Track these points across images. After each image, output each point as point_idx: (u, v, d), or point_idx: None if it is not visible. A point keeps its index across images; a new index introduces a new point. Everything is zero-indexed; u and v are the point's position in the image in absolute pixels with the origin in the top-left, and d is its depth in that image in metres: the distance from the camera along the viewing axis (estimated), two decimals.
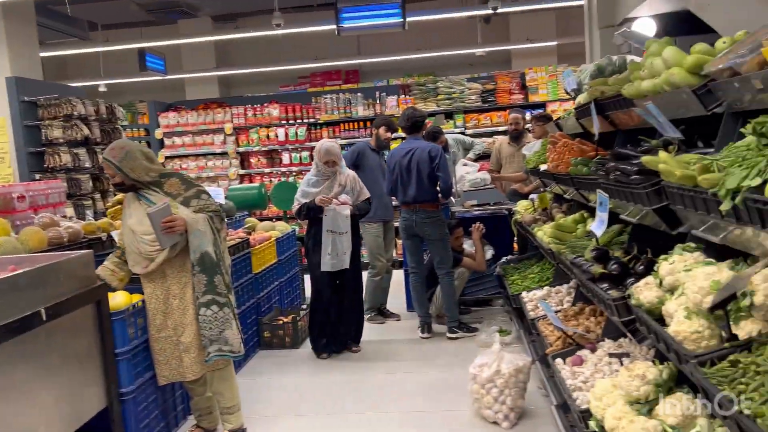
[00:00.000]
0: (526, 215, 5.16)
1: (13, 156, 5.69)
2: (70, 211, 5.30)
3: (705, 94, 2.20)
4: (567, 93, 4.52)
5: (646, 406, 2.08)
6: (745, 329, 1.70)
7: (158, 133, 8.91)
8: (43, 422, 2.50)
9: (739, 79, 1.97)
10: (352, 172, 4.83)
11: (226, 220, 3.44)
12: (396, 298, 5.97)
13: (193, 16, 9.45)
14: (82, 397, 2.80)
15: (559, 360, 3.06)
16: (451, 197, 5.65)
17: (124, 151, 3.14)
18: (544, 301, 3.87)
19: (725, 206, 1.70)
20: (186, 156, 9.01)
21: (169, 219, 3.06)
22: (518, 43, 9.94)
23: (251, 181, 8.85)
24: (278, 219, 7.35)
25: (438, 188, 5.04)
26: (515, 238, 5.95)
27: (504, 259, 5.61)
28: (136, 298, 3.23)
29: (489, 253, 5.71)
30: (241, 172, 8.95)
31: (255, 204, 6.74)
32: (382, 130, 5.60)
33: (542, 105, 8.31)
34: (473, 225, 5.55)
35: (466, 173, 6.39)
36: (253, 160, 8.96)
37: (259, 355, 4.94)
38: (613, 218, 3.04)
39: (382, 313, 5.71)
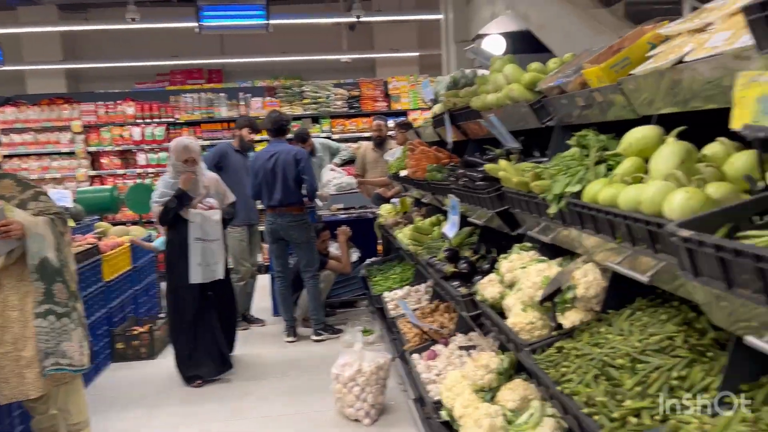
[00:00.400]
0: (389, 218, 5.35)
1: None
2: None
3: (539, 109, 2.45)
4: (425, 102, 4.77)
5: (489, 393, 2.27)
6: (569, 319, 1.93)
7: None
8: None
9: (565, 96, 2.23)
10: (214, 175, 4.62)
11: (69, 223, 3.21)
12: (261, 302, 5.91)
13: (35, 3, 8.66)
14: None
15: (415, 355, 3.23)
16: (317, 200, 5.71)
17: None
18: (403, 300, 4.04)
19: (552, 210, 1.92)
20: (27, 155, 8.25)
21: (3, 223, 2.80)
22: (382, 52, 10.24)
23: (103, 183, 8.30)
24: (133, 223, 6.96)
25: (303, 192, 5.08)
26: (380, 241, 6.14)
27: (368, 261, 5.77)
28: None
29: (354, 255, 5.84)
30: (92, 173, 8.37)
31: (106, 207, 6.36)
32: (245, 131, 5.53)
33: (404, 113, 8.64)
34: (339, 228, 5.65)
35: (333, 178, 6.49)
36: (104, 161, 8.42)
37: (111, 368, 4.67)
38: (466, 221, 3.26)
39: (247, 319, 5.63)
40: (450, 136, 3.77)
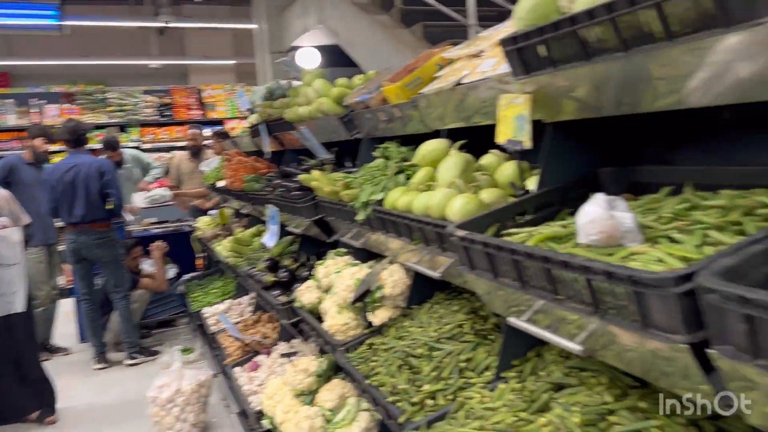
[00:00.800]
0: (208, 231, 5.22)
1: None
2: None
3: (348, 122, 2.60)
4: (242, 112, 4.75)
5: (309, 396, 2.35)
6: (379, 317, 2.08)
7: None
8: None
9: (370, 111, 2.40)
10: (5, 192, 4.05)
11: None
12: (65, 329, 5.40)
13: None
14: None
15: (237, 368, 3.21)
16: (125, 215, 5.38)
17: None
18: (224, 314, 3.99)
19: (360, 216, 2.06)
20: None
21: None
22: (195, 59, 9.92)
23: None
24: None
25: (109, 206, 4.74)
26: (198, 255, 5.94)
27: (187, 276, 5.56)
28: None
29: (171, 272, 5.59)
30: None
31: None
32: (39, 141, 5.03)
33: (221, 122, 8.47)
34: (153, 243, 5.37)
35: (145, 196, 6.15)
36: None
37: None
38: (285, 231, 3.32)
39: (48, 349, 5.11)
40: (267, 146, 3.81)
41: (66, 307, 5.48)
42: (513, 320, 1.16)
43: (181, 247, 5.77)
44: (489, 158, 1.66)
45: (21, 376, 3.79)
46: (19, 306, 3.67)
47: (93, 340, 4.86)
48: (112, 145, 5.76)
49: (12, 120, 7.54)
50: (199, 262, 6.01)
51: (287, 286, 2.97)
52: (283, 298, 2.79)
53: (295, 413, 2.20)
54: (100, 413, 3.92)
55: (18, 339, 3.74)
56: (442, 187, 1.59)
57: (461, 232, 1.26)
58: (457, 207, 1.42)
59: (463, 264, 1.30)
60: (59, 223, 5.01)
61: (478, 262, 1.24)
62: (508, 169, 1.55)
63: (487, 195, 1.47)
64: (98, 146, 6.53)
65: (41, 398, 3.86)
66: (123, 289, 4.84)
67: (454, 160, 1.64)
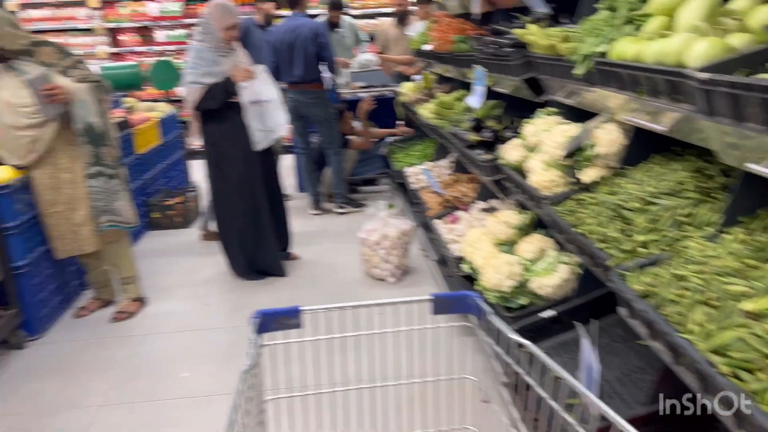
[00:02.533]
0: (411, 96, 5.39)
1: None
2: None
3: None
4: None
5: (509, 246, 2.47)
6: (588, 175, 2.07)
7: (11, 5, 7.96)
8: None
9: None
10: (243, 50, 4.21)
11: (110, 91, 3.35)
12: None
13: None
14: None
15: (437, 221, 3.44)
16: (334, 75, 5.73)
17: None
18: (427, 170, 4.20)
19: (579, 70, 2.00)
20: (45, 31, 8.18)
21: (50, 86, 2.94)
22: None
23: (123, 60, 8.26)
24: (156, 101, 7.05)
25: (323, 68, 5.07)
26: (400, 121, 6.21)
27: (390, 139, 5.88)
28: (21, 173, 3.13)
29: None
30: (112, 50, 8.33)
31: (131, 84, 6.36)
32: (270, 5, 5.43)
33: None
34: (362, 100, 5.68)
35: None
36: (123, 38, 8.36)
37: (149, 236, 4.97)
38: (491, 94, 3.33)
39: None
40: (477, 6, 3.73)
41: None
42: (753, 166, 1.10)
43: (384, 112, 6.05)
44: (740, 1, 1.49)
45: (277, 214, 4.03)
46: (281, 133, 3.82)
47: (309, 189, 5.46)
48: (338, 4, 5.99)
49: None
50: (401, 127, 6.28)
51: (490, 146, 3.02)
52: (487, 156, 2.86)
53: (495, 259, 2.35)
54: (316, 247, 4.49)
55: (274, 187, 3.95)
56: (681, 33, 1.47)
57: (703, 75, 1.18)
58: (700, 51, 1.32)
59: (701, 111, 1.23)
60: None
61: (719, 107, 1.17)
62: (764, 13, 1.38)
63: (737, 40, 1.34)
64: (318, 11, 6.87)
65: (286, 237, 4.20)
66: (335, 145, 5.28)
67: (698, 3, 1.49)
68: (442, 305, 1.23)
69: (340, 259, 4.19)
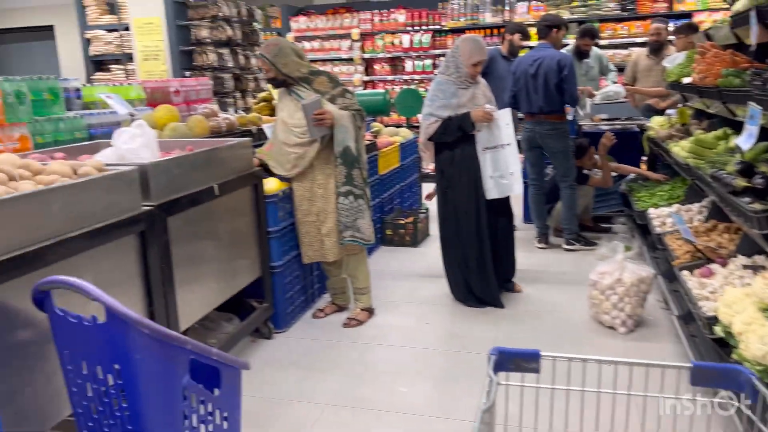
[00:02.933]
0: (661, 131, 4.96)
1: (167, 54, 6.18)
2: (215, 107, 5.76)
3: None
4: (724, 1, 4.18)
5: None
6: None
7: (290, 38, 9.22)
8: (210, 286, 2.93)
9: None
10: (483, 80, 4.22)
11: (366, 119, 3.66)
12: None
13: None
14: (241, 267, 3.23)
15: (685, 272, 3.07)
16: (577, 108, 5.50)
17: (278, 47, 3.40)
18: (676, 214, 3.81)
19: None
20: (315, 61, 9.30)
21: (320, 111, 3.32)
22: None
23: (374, 88, 9.02)
24: (399, 126, 7.53)
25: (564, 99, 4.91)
26: (643, 158, 5.75)
27: (630, 176, 5.48)
28: (285, 185, 3.58)
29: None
30: (365, 78, 9.12)
31: (380, 110, 6.89)
32: (516, 36, 5.46)
33: (688, 15, 7.65)
34: (603, 135, 5.39)
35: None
36: (377, 67, 9.10)
37: (381, 250, 5.28)
38: (762, 135, 2.90)
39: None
40: (755, 36, 3.29)
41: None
42: None
43: (626, 147, 5.66)
44: None
45: (507, 246, 3.99)
46: (516, 188, 3.72)
47: (536, 222, 5.31)
48: (592, 34, 5.76)
49: (488, 17, 8.39)
50: (642, 165, 5.81)
51: (761, 194, 2.62)
52: (758, 206, 2.48)
53: (760, 326, 2.01)
54: (539, 284, 4.34)
55: (502, 213, 3.90)
56: None
57: None
58: None
59: None
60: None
61: None
62: None
63: None
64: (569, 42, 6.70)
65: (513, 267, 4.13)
66: (569, 178, 5.07)
67: None
68: (703, 376, 1.07)
69: (565, 299, 3.99)
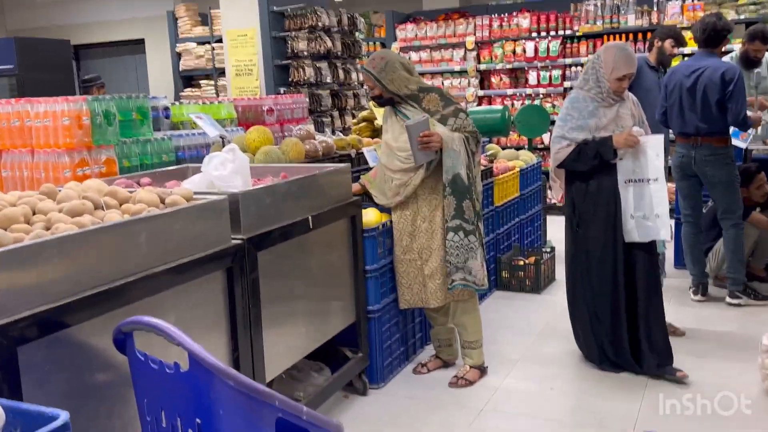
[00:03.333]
0: None
1: (261, 68, 6.52)
2: (310, 127, 5.98)
3: None
4: None
5: None
6: None
7: (395, 48, 9.45)
8: (300, 330, 3.00)
9: None
10: (631, 95, 3.88)
11: (481, 143, 3.66)
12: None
13: None
14: (334, 310, 3.29)
15: None
16: (749, 131, 5.18)
17: (384, 61, 3.48)
18: None
19: None
20: (423, 74, 9.44)
21: (426, 134, 3.35)
22: None
23: (491, 104, 9.00)
24: (519, 148, 7.43)
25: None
26: None
27: None
28: (386, 217, 3.65)
29: None
30: (481, 92, 9.14)
31: (497, 129, 6.88)
32: (668, 43, 5.23)
33: None
34: None
35: None
36: (494, 80, 9.09)
37: (495, 295, 5.21)
38: None
39: None
40: None
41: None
42: None
43: None
44: None
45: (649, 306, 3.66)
46: (663, 233, 3.52)
47: (692, 268, 5.00)
48: (765, 37, 5.35)
49: (630, 20, 8.16)
50: None
51: None
52: None
53: None
54: (699, 347, 4.08)
55: (642, 266, 3.63)
56: None
57: None
58: None
59: None
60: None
61: None
62: None
63: None
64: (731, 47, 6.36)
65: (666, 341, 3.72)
66: (734, 215, 4.76)
67: None
68: None
69: (728, 367, 3.72)
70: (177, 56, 8.65)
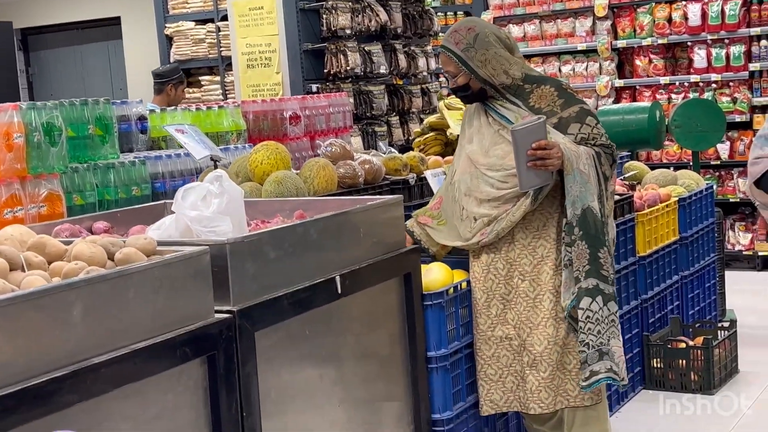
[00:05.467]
0: None
1: (284, 56, 6.61)
2: (356, 141, 6.00)
3: None
4: None
5: None
6: None
7: (486, 19, 9.45)
8: None
9: None
10: None
11: (618, 161, 3.58)
12: None
13: None
14: (377, 420, 3.24)
15: None
16: None
17: (473, 33, 3.49)
18: None
19: None
20: (528, 57, 9.40)
21: (542, 144, 3.28)
22: None
23: (634, 99, 8.86)
24: (678, 167, 7.26)
25: None
26: None
27: None
28: (460, 276, 3.60)
29: None
30: (618, 83, 9.03)
31: (643, 138, 6.78)
32: None
33: None
34: None
35: None
36: (639, 63, 8.98)
37: (642, 397, 5.07)
38: None
39: None
40: None
41: None
42: None
43: None
44: None
45: None
46: None
47: None
48: None
49: None
50: None
51: None
52: None
53: None
54: None
55: None
56: None
57: None
58: None
59: None
60: None
61: None
62: None
63: None
64: None
65: None
66: None
67: None
68: None
69: None
70: (167, 41, 8.80)
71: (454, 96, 4.15)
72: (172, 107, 5.32)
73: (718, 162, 8.40)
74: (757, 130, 8.29)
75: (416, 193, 4.46)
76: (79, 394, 2.04)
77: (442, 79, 7.91)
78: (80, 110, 3.77)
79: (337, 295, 2.93)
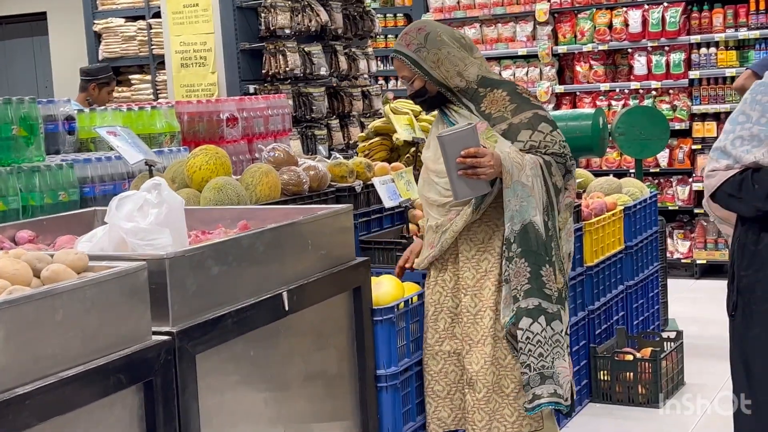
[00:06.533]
0: None
1: (219, 55, 6.46)
2: (296, 144, 5.87)
3: None
4: None
5: None
6: None
7: None
8: None
9: None
10: None
11: (574, 173, 3.46)
12: None
13: None
14: None
15: None
16: None
17: (424, 33, 3.39)
18: None
19: None
20: None
21: (471, 152, 3.17)
22: None
23: (575, 106, 8.93)
24: (618, 174, 7.26)
25: None
26: None
27: None
28: (412, 289, 3.49)
29: None
30: (559, 89, 9.08)
31: (585, 146, 6.74)
32: None
33: None
34: None
35: None
36: (580, 69, 9.05)
37: (589, 410, 5.04)
38: None
39: None
40: None
41: None
42: None
43: None
44: None
45: None
46: None
47: None
48: None
49: None
50: None
51: None
52: None
53: None
54: None
55: None
56: None
57: None
58: None
59: None
60: None
61: None
62: None
63: None
64: None
65: None
66: None
67: None
68: None
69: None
70: (96, 38, 8.69)
71: (401, 100, 4.02)
72: (102, 107, 5.11)
73: (658, 170, 8.49)
74: (697, 138, 8.49)
75: (363, 201, 4.35)
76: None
77: (381, 81, 7.89)
78: (3, 109, 3.61)
79: (284, 312, 2.82)
